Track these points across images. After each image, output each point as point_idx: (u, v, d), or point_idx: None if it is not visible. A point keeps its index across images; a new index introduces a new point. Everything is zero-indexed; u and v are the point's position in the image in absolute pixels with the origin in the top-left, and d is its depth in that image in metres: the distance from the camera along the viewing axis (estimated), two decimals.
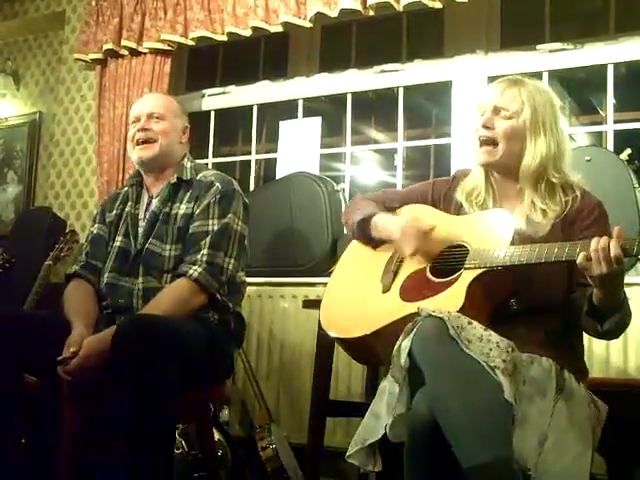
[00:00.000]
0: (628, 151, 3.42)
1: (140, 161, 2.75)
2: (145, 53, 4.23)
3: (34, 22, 5.03)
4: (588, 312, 1.96)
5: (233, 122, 4.74)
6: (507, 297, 2.02)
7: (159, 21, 4.17)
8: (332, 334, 2.19)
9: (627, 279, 2.90)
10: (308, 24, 3.79)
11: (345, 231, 2.40)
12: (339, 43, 4.31)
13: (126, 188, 2.85)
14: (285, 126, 4.19)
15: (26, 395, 2.46)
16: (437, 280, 2.07)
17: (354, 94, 4.13)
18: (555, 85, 3.67)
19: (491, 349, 1.75)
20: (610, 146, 3.46)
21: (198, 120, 4.08)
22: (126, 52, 4.28)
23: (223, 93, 4.43)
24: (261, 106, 4.40)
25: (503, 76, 2.24)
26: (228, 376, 2.88)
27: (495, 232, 2.05)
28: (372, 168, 5.20)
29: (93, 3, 4.43)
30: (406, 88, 4.00)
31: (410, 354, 1.80)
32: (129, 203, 2.78)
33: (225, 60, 4.65)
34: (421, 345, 1.78)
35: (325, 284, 2.39)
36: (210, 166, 4.36)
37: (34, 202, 4.94)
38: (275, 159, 4.19)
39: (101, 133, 4.33)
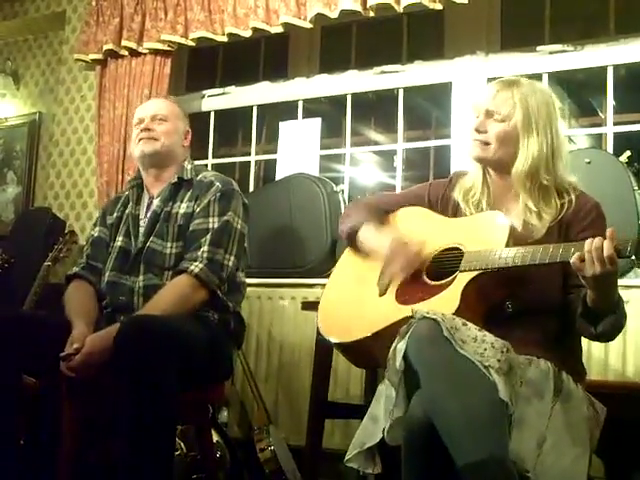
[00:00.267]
0: (628, 153, 3.42)
1: (142, 154, 2.77)
2: (145, 53, 4.23)
3: (34, 22, 5.03)
4: (582, 314, 1.96)
5: (233, 123, 4.74)
6: (502, 299, 2.02)
7: (159, 22, 4.17)
8: (330, 338, 2.19)
9: (626, 282, 2.95)
10: (308, 25, 3.79)
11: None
12: (339, 44, 4.31)
13: (127, 192, 2.87)
14: (285, 127, 4.19)
15: (25, 395, 2.46)
16: (432, 283, 2.07)
17: (354, 95, 4.14)
18: (555, 87, 3.67)
19: (485, 349, 1.75)
20: (610, 148, 3.45)
21: (198, 121, 4.08)
22: (126, 52, 4.28)
23: (223, 94, 4.43)
24: (261, 107, 4.40)
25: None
26: (227, 377, 2.88)
27: (490, 234, 2.05)
28: (372, 169, 5.21)
29: (93, 3, 4.43)
30: (406, 89, 4.00)
31: (405, 356, 1.80)
32: (130, 204, 2.80)
33: (225, 61, 4.65)
34: (416, 347, 1.78)
35: (324, 285, 2.39)
36: (210, 167, 4.38)
37: (33, 202, 4.94)
38: (275, 160, 4.20)
39: (101, 133, 4.33)
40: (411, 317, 1.84)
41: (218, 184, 2.70)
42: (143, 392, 2.21)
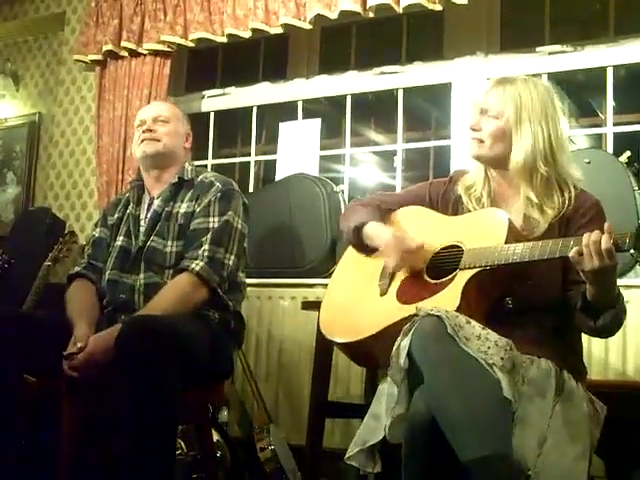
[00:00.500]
0: (627, 153, 3.41)
1: (144, 155, 2.78)
2: (145, 54, 4.23)
3: (34, 23, 5.03)
4: (581, 308, 1.96)
5: (233, 123, 4.74)
6: (503, 296, 2.02)
7: (159, 22, 4.17)
8: (331, 338, 2.19)
9: (626, 281, 2.95)
10: (308, 26, 3.79)
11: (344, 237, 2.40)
12: (339, 45, 4.31)
13: (127, 194, 2.89)
14: (285, 127, 4.20)
15: (26, 395, 2.46)
16: (433, 281, 2.07)
17: (354, 96, 4.14)
18: (554, 87, 3.66)
19: (489, 347, 1.76)
20: (609, 148, 3.46)
21: (198, 121, 4.09)
22: (126, 53, 4.28)
23: (223, 94, 4.44)
24: (261, 107, 4.40)
25: None
26: (228, 376, 2.89)
27: (489, 231, 2.05)
28: (371, 170, 5.22)
29: (93, 4, 4.43)
30: (406, 90, 4.00)
31: (409, 354, 1.80)
32: (130, 205, 2.81)
33: (225, 61, 4.66)
34: (420, 344, 1.79)
35: (324, 285, 2.40)
36: (210, 167, 4.39)
37: (33, 203, 4.94)
38: (274, 160, 4.20)
39: (100, 134, 4.33)
40: (413, 315, 1.85)
41: (218, 184, 2.72)
42: (144, 391, 2.21)
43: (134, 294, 2.64)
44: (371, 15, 3.62)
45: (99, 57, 4.35)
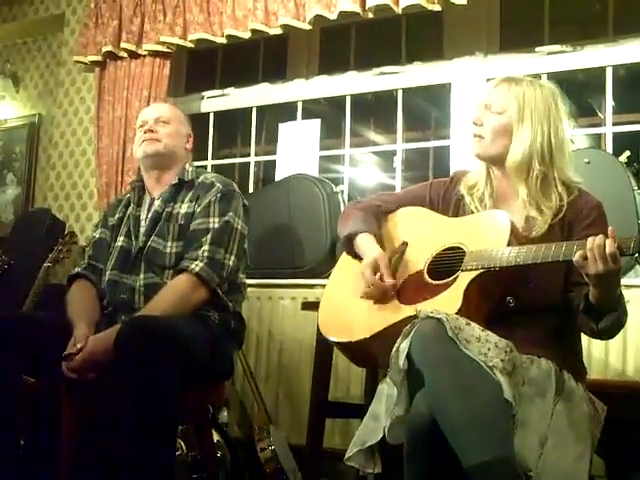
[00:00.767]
0: (627, 153, 3.41)
1: (145, 155, 2.78)
2: (144, 55, 4.23)
3: (33, 25, 5.03)
4: (584, 310, 1.96)
5: (232, 124, 4.75)
6: (504, 298, 2.02)
7: (158, 23, 4.17)
8: (331, 338, 2.19)
9: (627, 281, 2.95)
10: (307, 26, 3.79)
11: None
12: (338, 45, 4.32)
13: (128, 194, 2.89)
14: (284, 128, 4.20)
15: (25, 395, 2.46)
16: (434, 282, 2.07)
17: (353, 96, 4.14)
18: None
19: (489, 349, 1.76)
20: (609, 148, 3.46)
21: (197, 122, 4.08)
22: (125, 54, 4.28)
23: (222, 95, 4.44)
24: (260, 108, 4.41)
25: None
26: (228, 377, 2.88)
27: (491, 233, 2.05)
28: (371, 170, 5.21)
29: (92, 5, 4.43)
30: (405, 90, 4.00)
31: (408, 356, 1.80)
32: (131, 205, 2.82)
33: (224, 62, 4.66)
34: (420, 346, 1.79)
35: (324, 286, 2.40)
36: (209, 168, 4.40)
37: (33, 204, 4.94)
38: (274, 161, 4.20)
39: (100, 135, 4.33)
40: (414, 317, 1.85)
41: (219, 185, 2.72)
42: (144, 392, 2.21)
43: (134, 295, 2.64)
44: (370, 16, 3.62)
45: (98, 58, 4.35)
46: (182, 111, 3.00)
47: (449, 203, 2.27)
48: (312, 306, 2.79)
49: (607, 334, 2.02)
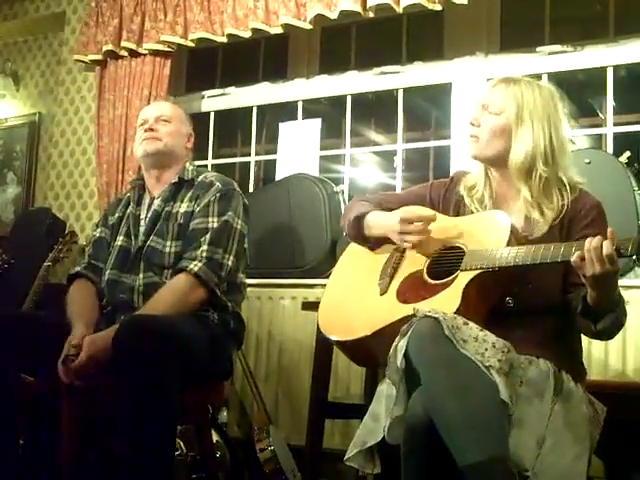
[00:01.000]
0: (627, 154, 3.41)
1: (145, 154, 2.78)
2: (145, 54, 4.23)
3: (34, 23, 5.03)
4: (582, 312, 1.96)
5: (233, 123, 4.74)
6: (503, 298, 2.02)
7: (159, 22, 4.17)
8: (331, 337, 2.19)
9: (626, 282, 2.95)
10: (308, 26, 3.79)
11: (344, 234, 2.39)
12: (339, 45, 4.31)
13: (128, 193, 2.89)
14: (285, 128, 4.20)
15: (25, 395, 2.46)
16: (433, 282, 2.07)
17: (354, 96, 4.14)
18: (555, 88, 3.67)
19: (486, 349, 1.76)
20: (610, 149, 3.46)
21: (198, 121, 4.06)
22: (126, 53, 4.28)
23: (223, 94, 4.44)
24: (261, 107, 4.41)
25: None
26: (227, 377, 2.88)
27: (491, 234, 2.05)
28: (371, 170, 5.21)
29: (93, 4, 4.43)
30: (406, 90, 4.00)
31: (406, 355, 1.80)
32: (131, 205, 2.82)
33: (225, 61, 4.65)
34: (417, 345, 1.79)
35: (324, 285, 2.40)
36: (210, 167, 4.39)
37: (33, 203, 4.95)
38: (275, 160, 4.20)
39: (100, 134, 4.33)
40: (412, 316, 1.85)
41: (218, 184, 2.72)
42: (143, 392, 2.21)
43: (133, 294, 2.64)
44: (371, 15, 3.62)
45: (99, 57, 4.35)
46: (183, 110, 3.00)
47: (449, 203, 2.27)
48: (312, 306, 2.79)
49: (606, 335, 2.02)
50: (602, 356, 3.01)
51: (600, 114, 4.04)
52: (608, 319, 1.93)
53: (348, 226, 2.30)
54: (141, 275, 2.65)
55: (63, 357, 2.39)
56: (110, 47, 4.27)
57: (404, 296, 2.08)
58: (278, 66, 4.37)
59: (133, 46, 4.22)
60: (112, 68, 4.35)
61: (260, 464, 3.19)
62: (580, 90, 4.11)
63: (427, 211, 2.15)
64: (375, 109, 4.69)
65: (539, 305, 2.02)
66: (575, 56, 3.56)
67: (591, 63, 3.54)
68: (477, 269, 1.97)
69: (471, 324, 1.80)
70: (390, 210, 2.31)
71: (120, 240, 2.75)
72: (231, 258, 2.64)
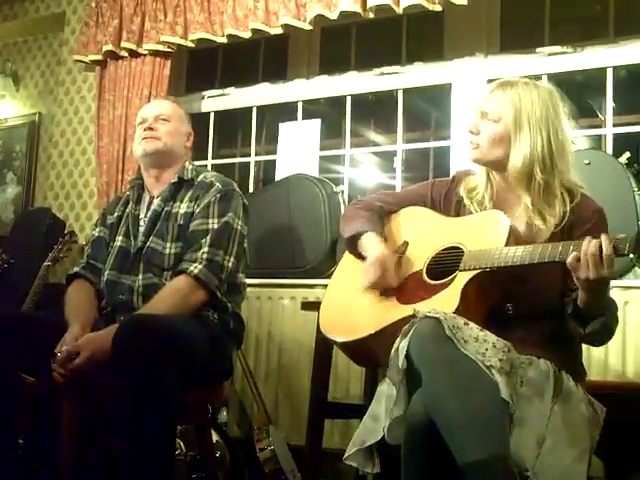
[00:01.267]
0: (627, 154, 3.41)
1: (144, 153, 2.77)
2: (145, 55, 4.23)
3: (34, 23, 5.03)
4: (572, 314, 1.96)
5: (232, 124, 4.74)
6: (502, 299, 2.02)
7: (159, 23, 4.17)
8: (331, 337, 2.19)
9: (626, 283, 2.94)
10: (308, 26, 3.79)
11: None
12: (339, 45, 4.31)
13: (127, 193, 2.88)
14: (284, 128, 4.20)
15: (25, 395, 2.46)
16: (433, 282, 2.07)
17: (354, 96, 4.14)
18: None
19: (487, 349, 1.76)
20: (609, 149, 3.46)
21: (198, 122, 4.06)
22: (126, 54, 4.28)
23: (223, 95, 4.44)
24: (260, 108, 4.40)
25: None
26: (227, 377, 2.88)
27: (490, 233, 2.05)
28: (371, 170, 5.20)
29: (93, 4, 4.43)
30: (406, 90, 4.00)
31: (407, 356, 1.80)
32: (130, 204, 2.81)
33: (225, 62, 4.66)
34: (418, 345, 1.79)
35: (324, 286, 2.40)
36: (209, 167, 4.39)
37: (33, 203, 4.95)
38: (274, 161, 4.20)
39: (100, 134, 4.33)
40: (412, 316, 1.85)
41: (218, 185, 2.71)
42: (143, 392, 2.21)
43: (133, 295, 2.64)
44: (371, 16, 3.62)
45: (99, 57, 4.35)
46: (182, 109, 2.99)
47: (450, 203, 2.26)
48: (312, 306, 2.79)
49: (595, 339, 2.01)
50: (602, 356, 3.01)
51: (600, 115, 4.04)
52: (597, 323, 1.93)
53: (344, 241, 2.32)
54: (140, 276, 2.65)
55: (54, 357, 2.38)
56: (110, 47, 4.27)
57: (404, 297, 2.09)
58: (278, 66, 4.37)
59: (133, 46, 4.22)
60: (112, 68, 4.35)
61: (260, 464, 3.19)
62: (580, 91, 4.11)
63: (391, 281, 2.14)
64: (375, 110, 4.69)
65: (539, 306, 2.02)
66: (575, 57, 3.56)
67: (591, 64, 3.54)
68: (476, 269, 1.98)
69: (471, 324, 1.80)
70: (391, 212, 2.32)
71: (119, 240, 2.75)
72: (232, 259, 2.64)
